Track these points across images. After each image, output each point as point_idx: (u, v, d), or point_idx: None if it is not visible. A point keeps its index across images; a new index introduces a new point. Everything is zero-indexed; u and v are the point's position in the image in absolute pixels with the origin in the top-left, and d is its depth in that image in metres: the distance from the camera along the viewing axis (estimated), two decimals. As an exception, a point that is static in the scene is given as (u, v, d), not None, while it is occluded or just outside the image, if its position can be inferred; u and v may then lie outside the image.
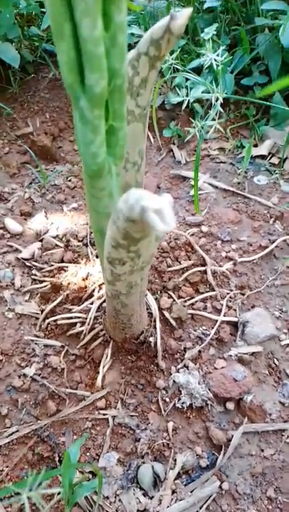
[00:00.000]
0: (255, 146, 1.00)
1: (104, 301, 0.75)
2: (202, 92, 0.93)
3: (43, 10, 1.16)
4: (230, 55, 1.06)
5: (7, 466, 0.65)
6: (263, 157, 0.98)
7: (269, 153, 0.98)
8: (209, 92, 0.88)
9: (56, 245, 0.86)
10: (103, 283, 0.77)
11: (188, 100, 0.80)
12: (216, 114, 0.55)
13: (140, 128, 0.51)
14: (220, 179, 0.95)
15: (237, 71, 1.00)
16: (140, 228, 0.31)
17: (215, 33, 0.90)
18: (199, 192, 0.91)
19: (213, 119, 0.55)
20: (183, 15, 0.38)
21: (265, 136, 0.99)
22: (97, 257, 0.81)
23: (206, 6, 0.93)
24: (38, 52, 1.30)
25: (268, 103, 0.81)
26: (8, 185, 1.04)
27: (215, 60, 0.52)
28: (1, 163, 1.09)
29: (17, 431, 0.68)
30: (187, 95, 1.04)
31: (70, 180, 1.05)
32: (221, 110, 0.63)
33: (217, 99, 0.54)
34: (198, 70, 1.06)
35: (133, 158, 0.54)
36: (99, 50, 0.29)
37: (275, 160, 0.97)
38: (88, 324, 0.74)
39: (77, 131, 0.37)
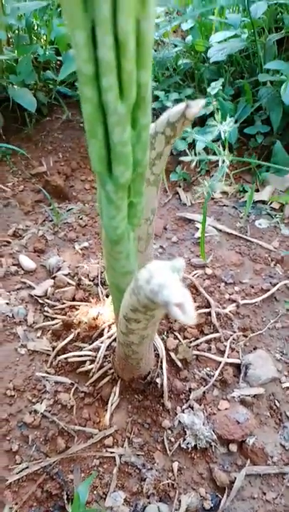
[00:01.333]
0: (257, 190, 1.04)
1: (113, 340, 0.78)
2: (210, 141, 0.98)
3: (59, 58, 1.23)
4: (234, 104, 1.11)
5: (16, 504, 0.66)
6: (264, 202, 1.02)
7: (270, 198, 1.02)
8: (216, 140, 0.93)
9: (68, 283, 0.89)
10: (113, 323, 0.79)
11: (195, 149, 0.85)
12: (223, 176, 0.59)
13: (154, 191, 0.55)
14: (223, 222, 0.99)
15: (241, 121, 1.05)
16: (160, 306, 0.34)
17: (221, 88, 0.96)
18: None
19: (220, 181, 0.59)
20: (197, 105, 0.42)
21: (266, 182, 1.04)
22: (107, 296, 0.84)
23: (211, 60, 0.99)
24: (52, 94, 1.37)
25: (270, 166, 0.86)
26: (22, 222, 1.08)
27: (224, 127, 0.57)
28: (17, 200, 1.13)
29: (27, 467, 0.69)
30: (194, 141, 1.09)
31: (81, 219, 1.09)
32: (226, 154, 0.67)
33: (224, 161, 0.58)
34: (203, 117, 1.11)
35: (146, 215, 0.58)
36: (126, 150, 0.33)
37: (275, 205, 1.01)
38: (97, 363, 0.76)
39: (101, 206, 0.41)
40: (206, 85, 1.20)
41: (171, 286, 0.27)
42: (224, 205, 1.03)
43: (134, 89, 0.29)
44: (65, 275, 0.91)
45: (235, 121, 1.08)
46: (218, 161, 1.07)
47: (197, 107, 0.42)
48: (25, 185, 1.18)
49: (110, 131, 0.32)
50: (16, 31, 1.12)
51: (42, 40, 1.28)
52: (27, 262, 0.95)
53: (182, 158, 0.60)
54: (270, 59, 1.09)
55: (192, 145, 1.08)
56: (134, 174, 0.37)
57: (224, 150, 0.59)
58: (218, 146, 0.67)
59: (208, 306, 0.81)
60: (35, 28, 1.19)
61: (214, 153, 0.69)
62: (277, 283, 0.86)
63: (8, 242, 1.02)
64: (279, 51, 1.12)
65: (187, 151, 0.61)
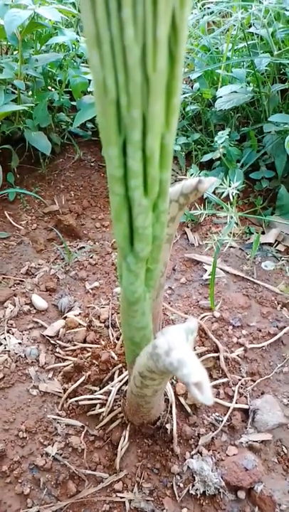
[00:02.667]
0: (263, 233, 1.09)
1: (124, 383, 0.81)
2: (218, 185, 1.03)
3: (73, 103, 1.30)
4: (240, 149, 1.17)
5: None
6: (270, 244, 1.06)
7: (275, 241, 1.06)
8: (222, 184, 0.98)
9: (79, 324, 0.93)
10: (123, 366, 0.83)
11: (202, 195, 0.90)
12: (231, 232, 0.64)
13: (167, 247, 0.60)
14: (230, 264, 1.03)
15: (246, 167, 1.11)
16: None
17: (227, 137, 1.02)
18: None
19: (228, 236, 0.63)
20: (209, 181, 0.47)
21: (272, 225, 1.08)
22: (117, 339, 0.87)
23: (218, 108, 1.06)
24: (64, 134, 1.44)
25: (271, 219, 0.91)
26: (35, 260, 1.13)
27: (230, 184, 0.62)
28: (30, 239, 1.18)
29: (38, 511, 0.71)
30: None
31: (91, 257, 1.14)
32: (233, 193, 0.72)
33: (232, 218, 0.63)
34: (211, 160, 1.17)
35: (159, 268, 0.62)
36: (147, 232, 0.38)
37: (281, 247, 1.06)
38: (108, 406, 0.79)
39: (121, 271, 0.45)
40: (212, 128, 1.27)
41: (191, 364, 0.30)
42: (231, 247, 1.07)
43: (157, 187, 0.34)
44: (76, 315, 0.95)
45: (241, 166, 1.13)
46: (225, 200, 1.12)
47: (209, 183, 0.47)
48: (38, 223, 1.24)
49: (134, 217, 0.36)
50: (33, 79, 1.20)
51: (57, 84, 1.36)
52: (39, 301, 1.00)
53: (192, 212, 0.64)
54: (274, 107, 1.16)
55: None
56: (152, 246, 0.42)
57: (232, 206, 0.64)
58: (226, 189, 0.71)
59: (217, 350, 0.84)
60: (51, 74, 1.27)
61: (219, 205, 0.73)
62: (284, 327, 0.89)
63: (21, 281, 1.06)
64: (282, 98, 1.19)
65: (197, 205, 0.66)
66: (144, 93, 0.27)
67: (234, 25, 0.92)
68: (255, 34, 1.03)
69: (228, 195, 0.70)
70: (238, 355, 0.85)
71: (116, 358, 0.84)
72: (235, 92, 1.00)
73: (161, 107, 0.28)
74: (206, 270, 1.01)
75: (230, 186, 0.61)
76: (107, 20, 0.23)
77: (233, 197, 0.62)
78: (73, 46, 1.13)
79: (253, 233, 1.09)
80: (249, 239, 1.09)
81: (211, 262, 1.01)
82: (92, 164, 1.41)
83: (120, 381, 0.80)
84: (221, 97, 1.02)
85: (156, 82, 0.26)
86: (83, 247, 1.17)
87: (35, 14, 0.97)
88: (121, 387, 0.81)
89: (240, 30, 0.93)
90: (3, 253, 1.15)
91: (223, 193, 0.68)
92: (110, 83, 0.26)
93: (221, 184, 0.63)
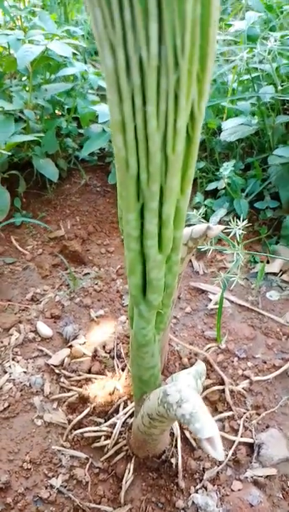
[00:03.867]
0: (267, 262, 1.11)
1: (129, 416, 0.82)
2: (224, 215, 1.06)
3: (80, 131, 1.35)
4: (244, 178, 1.21)
5: None
6: (274, 273, 1.09)
7: (280, 271, 1.09)
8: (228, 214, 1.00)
9: (84, 354, 0.94)
10: (128, 398, 0.84)
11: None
12: (238, 268, 0.66)
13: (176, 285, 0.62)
14: (235, 293, 1.05)
15: (251, 196, 1.14)
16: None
17: (232, 168, 1.05)
18: (216, 307, 1.01)
19: (235, 273, 0.66)
20: (218, 228, 0.50)
21: (277, 253, 1.11)
22: (122, 370, 0.89)
23: (223, 140, 1.09)
24: (71, 159, 1.48)
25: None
26: (40, 286, 1.15)
27: (236, 226, 0.64)
28: (35, 264, 1.21)
29: None
30: (206, 213, 1.17)
31: (96, 284, 1.16)
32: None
33: (238, 255, 0.65)
34: (216, 189, 1.21)
35: (166, 306, 0.65)
36: (160, 283, 0.40)
37: (285, 277, 1.08)
38: (113, 439, 0.80)
39: (132, 314, 0.48)
40: (217, 157, 1.31)
41: (203, 419, 0.33)
42: (236, 275, 1.09)
43: (171, 244, 0.37)
44: (81, 344, 0.97)
45: (246, 196, 1.17)
46: (229, 226, 1.14)
47: (217, 230, 0.49)
48: (44, 248, 1.26)
49: (148, 271, 0.39)
50: (42, 107, 1.24)
51: (64, 110, 1.41)
52: (44, 329, 1.02)
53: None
54: (278, 138, 1.20)
55: (205, 217, 1.17)
56: (164, 294, 0.44)
57: (238, 244, 0.66)
58: (232, 220, 0.74)
59: (222, 383, 0.86)
60: (59, 102, 1.32)
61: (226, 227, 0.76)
62: (289, 359, 0.91)
63: (27, 307, 1.08)
64: (287, 128, 1.23)
65: (204, 243, 0.68)
66: (162, 171, 0.29)
67: (240, 61, 0.96)
68: (260, 68, 1.07)
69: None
70: (243, 388, 0.87)
71: (121, 389, 0.85)
72: (241, 124, 1.04)
73: (178, 181, 0.31)
74: (211, 299, 1.03)
75: (237, 225, 0.64)
76: (132, 113, 0.26)
77: (239, 236, 0.65)
78: (82, 76, 1.18)
79: (257, 262, 1.12)
80: (254, 268, 1.12)
81: (215, 291, 1.03)
82: (97, 189, 1.45)
83: (125, 413, 0.82)
84: (226, 129, 1.06)
85: (175, 162, 0.29)
86: (88, 273, 1.19)
87: (47, 49, 1.02)
88: (126, 419, 0.82)
89: (245, 64, 0.97)
90: (8, 278, 1.18)
91: (229, 230, 0.71)
92: (132, 163, 0.29)
93: (228, 224, 0.65)
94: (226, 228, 0.89)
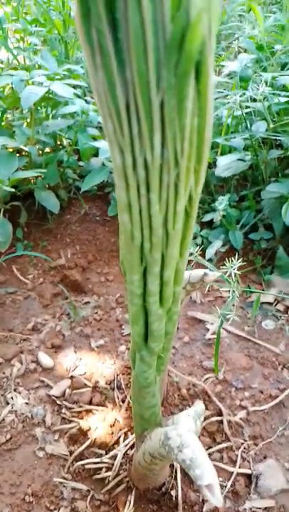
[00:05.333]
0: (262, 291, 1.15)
1: (129, 447, 0.84)
2: (221, 245, 1.10)
3: (80, 164, 1.39)
4: (239, 209, 1.26)
5: None
6: (269, 303, 1.12)
7: (275, 300, 1.12)
8: (224, 245, 1.04)
9: (85, 384, 0.96)
10: (128, 430, 0.86)
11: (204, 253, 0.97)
12: (234, 305, 0.69)
13: (174, 324, 0.65)
14: (232, 323, 1.08)
15: (246, 229, 1.19)
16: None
17: (228, 203, 1.10)
18: (213, 336, 1.04)
19: (231, 310, 0.69)
20: (214, 275, 0.53)
21: (272, 284, 1.15)
22: (123, 401, 0.91)
23: (216, 173, 1.14)
24: (71, 188, 1.53)
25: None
26: (41, 315, 1.18)
27: (232, 266, 0.68)
28: (36, 293, 1.24)
29: None
30: (203, 242, 1.21)
31: (96, 313, 1.19)
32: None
33: (234, 292, 0.69)
34: (211, 221, 1.25)
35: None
36: (161, 333, 0.43)
37: (280, 306, 1.11)
38: (114, 471, 0.82)
39: (133, 356, 0.51)
40: (212, 188, 1.36)
41: (203, 465, 0.35)
42: (232, 305, 1.13)
43: (171, 300, 0.40)
44: (82, 375, 0.99)
45: (241, 227, 1.21)
46: (226, 258, 1.18)
47: (213, 276, 0.53)
48: (45, 277, 1.29)
49: (150, 323, 0.42)
50: (43, 142, 1.29)
51: (66, 143, 1.46)
52: (45, 359, 1.04)
53: (192, 274, 0.69)
54: (271, 171, 1.25)
55: (201, 247, 1.21)
56: (164, 340, 0.47)
57: (236, 282, 0.70)
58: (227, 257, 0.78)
59: (220, 413, 0.88)
60: (60, 136, 1.37)
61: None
62: (285, 389, 0.94)
63: (28, 337, 1.11)
64: (279, 161, 1.28)
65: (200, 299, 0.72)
66: (164, 242, 0.33)
67: (234, 104, 1.02)
68: (252, 107, 1.13)
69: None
70: (240, 418, 0.89)
71: (121, 421, 0.87)
72: (234, 160, 1.09)
73: (178, 250, 0.34)
74: (209, 329, 1.06)
75: (232, 267, 0.67)
76: (138, 197, 0.30)
77: (235, 276, 0.68)
78: (82, 113, 1.23)
79: (253, 292, 1.15)
80: (250, 297, 1.15)
81: (213, 320, 1.06)
82: (97, 218, 1.49)
83: (126, 445, 0.84)
84: (221, 165, 1.10)
85: (175, 236, 0.32)
86: (88, 302, 1.22)
87: (49, 90, 1.07)
88: (127, 451, 0.84)
89: (238, 106, 1.03)
90: (10, 308, 1.20)
91: (225, 263, 0.75)
92: (137, 235, 0.32)
93: (224, 264, 0.69)
94: (222, 264, 0.93)
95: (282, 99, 0.99)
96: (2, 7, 1.37)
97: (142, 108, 0.24)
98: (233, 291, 0.69)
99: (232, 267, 0.67)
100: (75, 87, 1.21)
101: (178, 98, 0.24)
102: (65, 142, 1.45)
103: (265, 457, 0.85)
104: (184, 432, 0.41)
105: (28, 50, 1.32)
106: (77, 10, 0.22)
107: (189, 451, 0.38)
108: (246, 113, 1.21)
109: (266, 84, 1.07)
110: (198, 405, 0.49)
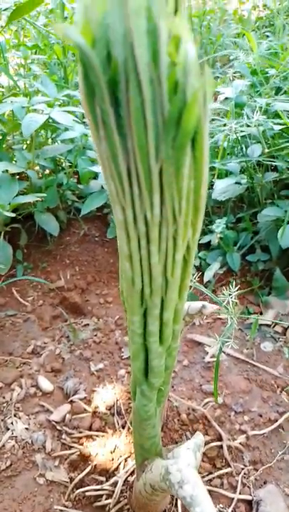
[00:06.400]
0: (260, 313, 1.16)
1: (130, 474, 0.84)
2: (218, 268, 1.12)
3: (80, 186, 1.42)
4: (236, 230, 1.28)
5: None
6: (267, 325, 1.13)
7: (273, 321, 1.13)
8: (222, 267, 1.06)
9: (85, 410, 0.97)
10: (129, 456, 0.86)
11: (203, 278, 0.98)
12: (232, 334, 0.71)
13: (173, 353, 0.66)
14: (231, 346, 1.09)
15: (243, 250, 1.21)
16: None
17: (225, 226, 1.12)
18: (212, 359, 1.05)
19: (229, 338, 0.70)
20: (212, 308, 0.55)
21: (269, 305, 1.16)
22: (123, 427, 0.91)
23: (213, 197, 1.17)
24: (70, 209, 1.55)
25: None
26: (41, 338, 1.18)
27: (229, 297, 0.70)
28: (36, 315, 1.25)
29: None
30: (200, 265, 1.23)
31: (96, 335, 1.19)
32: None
33: (232, 319, 0.70)
34: (208, 243, 1.27)
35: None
36: (161, 369, 0.45)
37: (278, 328, 1.13)
38: (114, 498, 0.82)
39: (134, 388, 0.52)
40: (210, 210, 1.38)
41: (203, 503, 0.36)
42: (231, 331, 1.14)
43: (171, 339, 0.41)
44: (81, 399, 1.00)
45: (238, 248, 1.23)
46: (225, 280, 1.19)
47: (211, 309, 0.54)
48: (44, 299, 1.30)
49: (150, 359, 0.43)
50: (43, 166, 1.32)
51: (64, 166, 1.48)
52: (45, 383, 1.04)
53: (191, 306, 0.71)
54: (266, 193, 1.28)
55: (199, 269, 1.23)
56: (164, 374, 0.49)
57: (234, 306, 0.71)
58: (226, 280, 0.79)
59: (220, 438, 0.88)
60: (60, 160, 1.40)
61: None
62: (284, 412, 0.94)
63: (28, 361, 1.11)
64: (275, 183, 1.31)
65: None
66: (163, 288, 0.35)
67: (229, 131, 1.05)
68: (247, 131, 1.16)
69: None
70: (240, 443, 0.89)
71: (122, 447, 0.88)
72: (231, 184, 1.12)
73: (177, 294, 0.36)
74: (208, 352, 1.07)
75: (230, 295, 0.69)
76: (138, 248, 0.31)
77: (232, 302, 0.70)
78: (82, 138, 1.26)
79: (251, 313, 1.16)
80: (248, 318, 1.16)
81: (212, 343, 1.07)
82: (96, 239, 1.51)
83: (126, 472, 0.84)
84: (216, 190, 1.13)
85: (174, 282, 0.34)
86: (88, 324, 1.23)
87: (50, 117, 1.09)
88: (127, 477, 0.84)
89: (234, 133, 1.06)
90: (10, 331, 1.21)
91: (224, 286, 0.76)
92: (138, 281, 0.34)
93: (222, 286, 0.71)
94: (221, 285, 0.94)
95: (276, 127, 1.02)
96: (3, 34, 1.41)
97: (142, 174, 0.26)
98: (232, 318, 0.70)
99: (230, 294, 0.68)
100: (74, 112, 1.24)
101: (175, 166, 0.26)
102: (65, 164, 1.48)
103: (265, 482, 0.85)
104: (184, 467, 0.42)
105: (29, 77, 1.35)
106: (82, 89, 0.24)
107: (189, 487, 0.39)
108: (242, 136, 1.24)
109: (260, 110, 1.10)
110: (198, 437, 0.50)
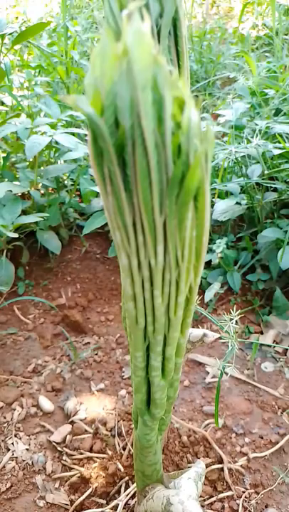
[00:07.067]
0: (261, 332, 1.17)
1: (130, 497, 0.84)
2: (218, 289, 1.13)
3: (81, 205, 1.44)
4: (236, 248, 1.29)
5: None
6: (268, 345, 1.14)
7: (274, 341, 1.14)
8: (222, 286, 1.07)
9: (85, 430, 0.97)
10: (130, 479, 0.86)
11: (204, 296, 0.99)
12: (232, 358, 0.72)
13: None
14: (231, 365, 1.10)
15: (243, 270, 1.22)
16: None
17: (225, 246, 1.13)
18: (213, 380, 1.05)
19: (230, 363, 0.71)
20: (213, 336, 0.56)
21: (270, 325, 1.17)
22: (124, 449, 0.92)
23: (214, 217, 1.18)
24: (72, 226, 1.57)
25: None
26: (41, 357, 1.19)
27: (231, 323, 0.71)
28: (37, 334, 1.26)
29: None
30: (201, 283, 1.24)
31: (96, 354, 1.20)
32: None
33: (233, 344, 0.71)
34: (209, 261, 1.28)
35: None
36: (163, 402, 0.46)
37: (279, 348, 1.13)
38: (115, 522, 0.82)
39: (136, 417, 0.52)
40: (210, 228, 1.39)
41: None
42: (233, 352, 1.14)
43: (173, 372, 0.42)
44: (82, 420, 1.00)
45: (239, 267, 1.24)
46: (225, 298, 1.20)
47: (213, 338, 0.55)
48: (46, 317, 1.31)
49: (152, 392, 0.44)
50: (46, 186, 1.34)
51: (67, 184, 1.51)
52: (46, 403, 1.05)
53: (193, 333, 0.72)
54: (266, 213, 1.29)
55: (200, 287, 1.24)
56: (166, 404, 0.49)
57: (234, 333, 0.72)
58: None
59: (221, 461, 0.88)
60: (62, 179, 1.42)
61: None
62: (285, 434, 0.95)
63: (29, 379, 1.12)
64: (274, 203, 1.33)
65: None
66: (166, 327, 0.36)
67: (229, 155, 1.07)
68: (247, 154, 1.18)
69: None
70: (241, 466, 0.89)
71: (122, 470, 0.88)
72: (231, 205, 1.14)
73: (179, 332, 0.37)
74: (209, 372, 1.08)
75: (231, 320, 0.70)
76: (142, 290, 0.33)
77: (233, 332, 0.71)
78: (84, 159, 1.28)
79: (252, 333, 1.17)
80: (248, 338, 1.17)
81: (213, 363, 1.08)
82: (97, 256, 1.52)
83: (127, 495, 0.84)
84: (216, 210, 1.15)
85: (176, 322, 0.35)
86: (88, 343, 1.24)
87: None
88: (128, 500, 0.84)
89: (234, 158, 1.08)
90: (11, 349, 1.22)
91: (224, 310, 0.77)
92: (141, 320, 0.35)
93: (222, 304, 0.72)
94: (221, 304, 0.95)
95: (276, 151, 1.04)
96: (7, 55, 1.44)
97: (147, 226, 0.27)
98: (232, 344, 0.71)
99: (231, 319, 0.69)
100: (77, 134, 1.27)
101: (179, 219, 0.27)
102: (67, 182, 1.50)
103: (266, 506, 0.85)
104: (185, 498, 0.43)
105: (32, 98, 1.38)
106: (90, 151, 0.26)
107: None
108: (242, 156, 1.27)
109: (260, 132, 1.13)
110: (199, 465, 0.51)
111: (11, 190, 1.16)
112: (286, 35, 2.48)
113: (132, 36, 0.21)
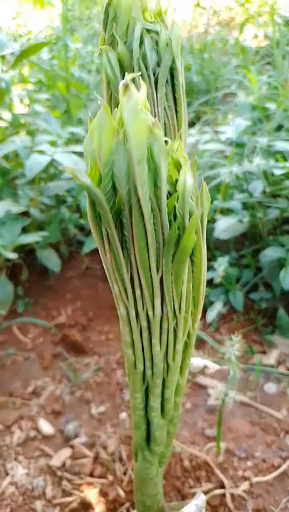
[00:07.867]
0: (264, 352, 1.17)
1: (131, 525, 0.84)
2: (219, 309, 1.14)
3: (81, 221, 1.45)
4: (238, 266, 1.30)
5: None
6: (271, 365, 1.14)
7: (277, 361, 1.15)
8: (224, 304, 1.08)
9: (85, 455, 0.97)
10: (130, 506, 0.87)
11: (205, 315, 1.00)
12: (234, 385, 0.72)
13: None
14: (233, 386, 1.10)
15: (245, 288, 1.23)
16: None
17: (227, 265, 1.15)
18: (215, 403, 1.06)
19: (231, 388, 0.72)
20: (214, 368, 0.57)
21: (273, 344, 1.18)
22: (124, 474, 0.92)
23: (215, 236, 1.20)
24: (72, 242, 1.58)
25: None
26: (41, 378, 1.20)
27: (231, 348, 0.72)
28: (36, 354, 1.26)
29: None
30: (205, 309, 1.25)
31: (97, 375, 1.21)
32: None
33: (235, 371, 0.72)
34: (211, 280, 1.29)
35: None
36: (163, 439, 0.47)
37: (282, 368, 1.14)
38: None
39: (136, 450, 0.53)
40: (211, 245, 1.41)
41: None
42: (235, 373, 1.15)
43: (172, 411, 0.43)
44: (82, 444, 1.00)
45: (241, 285, 1.25)
46: (228, 317, 1.21)
47: (213, 369, 0.56)
48: (45, 336, 1.32)
49: (151, 431, 0.45)
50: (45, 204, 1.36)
51: (67, 200, 1.52)
52: (45, 426, 1.05)
53: (193, 364, 0.73)
54: (268, 229, 1.31)
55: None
56: (166, 439, 0.50)
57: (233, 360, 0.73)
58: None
59: (223, 486, 0.89)
60: (62, 196, 1.44)
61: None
62: (288, 457, 0.95)
63: (28, 401, 1.12)
64: (276, 219, 1.34)
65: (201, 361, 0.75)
66: (164, 371, 0.37)
67: (229, 174, 1.09)
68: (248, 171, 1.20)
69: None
70: (243, 491, 0.89)
71: (123, 495, 0.88)
72: (233, 223, 1.15)
73: (178, 375, 0.38)
74: (210, 394, 1.08)
75: (232, 346, 0.71)
76: (140, 338, 0.34)
77: (234, 355, 0.72)
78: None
79: (254, 352, 1.18)
80: (251, 358, 1.18)
81: (215, 385, 1.08)
82: (97, 273, 1.53)
83: (128, 523, 0.84)
84: (218, 228, 1.16)
85: (175, 367, 0.36)
86: (89, 363, 1.25)
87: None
88: (128, 528, 0.84)
89: (235, 179, 1.09)
90: (10, 369, 1.23)
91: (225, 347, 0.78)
92: (140, 365, 0.36)
93: (225, 323, 0.72)
94: (224, 322, 0.96)
95: (277, 172, 1.06)
96: (8, 72, 1.47)
97: (144, 282, 0.29)
98: (234, 370, 0.72)
99: (232, 345, 0.70)
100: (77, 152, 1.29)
101: (175, 276, 0.28)
102: (67, 199, 1.52)
103: (269, 534, 0.85)
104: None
105: (32, 116, 1.40)
106: (89, 214, 0.27)
107: None
108: (243, 172, 1.28)
109: (261, 150, 1.14)
110: (199, 498, 0.51)
111: (10, 211, 1.17)
112: (288, 45, 2.52)
113: (128, 112, 0.23)
